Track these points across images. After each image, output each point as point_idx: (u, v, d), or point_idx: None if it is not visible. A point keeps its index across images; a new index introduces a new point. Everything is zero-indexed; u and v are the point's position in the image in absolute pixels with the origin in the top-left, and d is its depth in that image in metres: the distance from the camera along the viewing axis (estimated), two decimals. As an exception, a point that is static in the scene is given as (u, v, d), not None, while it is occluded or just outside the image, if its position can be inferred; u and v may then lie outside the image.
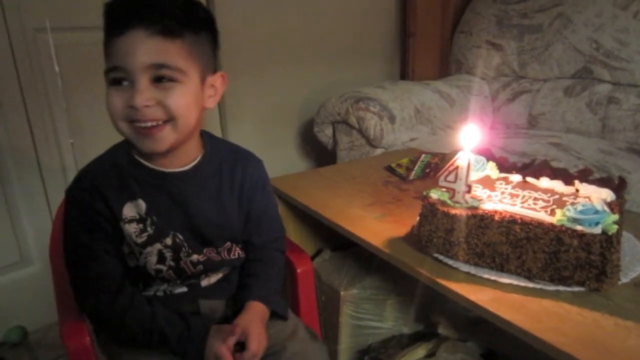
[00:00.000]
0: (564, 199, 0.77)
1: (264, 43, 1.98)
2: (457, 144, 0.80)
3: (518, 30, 2.09)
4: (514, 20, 2.11)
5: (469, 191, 0.79)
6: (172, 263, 0.87)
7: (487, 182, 0.86)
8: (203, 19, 0.82)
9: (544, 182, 0.84)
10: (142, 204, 0.84)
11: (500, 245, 0.75)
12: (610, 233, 0.67)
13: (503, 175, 0.89)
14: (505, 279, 0.75)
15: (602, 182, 0.85)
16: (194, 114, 0.81)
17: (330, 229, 1.04)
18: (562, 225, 0.69)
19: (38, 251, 1.62)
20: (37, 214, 1.60)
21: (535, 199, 0.78)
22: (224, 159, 0.92)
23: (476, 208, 0.77)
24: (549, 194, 0.80)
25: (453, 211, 0.78)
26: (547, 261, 0.72)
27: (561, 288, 0.72)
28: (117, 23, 0.75)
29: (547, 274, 0.73)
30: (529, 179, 0.86)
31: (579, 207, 0.70)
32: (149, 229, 0.84)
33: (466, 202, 0.78)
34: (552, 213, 0.73)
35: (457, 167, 0.78)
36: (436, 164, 1.27)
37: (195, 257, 0.88)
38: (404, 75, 2.45)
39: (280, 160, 2.14)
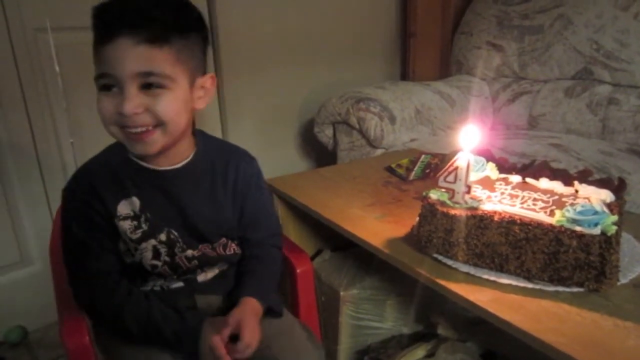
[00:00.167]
0: (564, 199, 0.77)
1: (264, 43, 1.98)
2: (457, 145, 0.80)
3: (518, 31, 2.09)
4: (514, 21, 2.11)
5: (468, 192, 0.79)
6: (167, 258, 0.88)
7: (487, 183, 0.86)
8: (192, 20, 0.82)
9: (544, 182, 0.84)
10: (136, 201, 0.86)
11: (499, 245, 0.75)
12: (609, 234, 0.67)
13: (503, 175, 0.89)
14: (505, 280, 0.75)
15: (601, 183, 0.85)
16: (184, 117, 0.82)
17: (331, 229, 1.04)
18: (561, 226, 0.69)
19: (38, 251, 1.63)
20: (38, 214, 1.60)
21: (535, 199, 0.78)
22: (217, 156, 0.94)
23: (476, 208, 0.77)
24: (549, 195, 0.80)
25: (452, 212, 0.78)
26: (546, 262, 0.72)
27: (560, 289, 0.72)
28: (104, 30, 0.75)
29: (547, 274, 0.73)
30: (528, 179, 0.86)
31: (578, 208, 0.70)
32: (143, 225, 0.86)
33: (466, 202, 0.78)
34: (552, 214, 0.73)
35: (456, 168, 0.78)
36: (436, 165, 1.27)
37: (190, 252, 0.89)
38: (404, 76, 2.45)
39: (281, 161, 2.14)
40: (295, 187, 1.21)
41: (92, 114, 0.81)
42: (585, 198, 0.77)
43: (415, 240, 0.87)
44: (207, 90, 0.87)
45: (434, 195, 0.82)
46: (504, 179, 0.87)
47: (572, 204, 0.74)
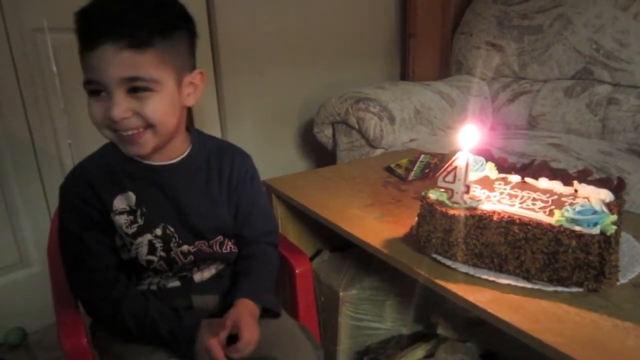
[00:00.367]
0: (563, 199, 0.77)
1: (263, 43, 1.98)
2: (457, 145, 0.80)
3: (518, 31, 2.09)
4: (514, 21, 2.11)
5: (467, 191, 0.79)
6: (162, 254, 0.88)
7: (486, 183, 0.86)
8: (174, 19, 0.81)
9: (543, 182, 0.84)
10: (132, 196, 0.87)
11: (498, 245, 0.75)
12: (608, 233, 0.66)
13: (502, 175, 0.89)
14: (504, 280, 0.75)
15: (601, 183, 0.85)
16: (173, 117, 0.83)
17: (330, 230, 1.04)
18: (560, 226, 0.69)
19: (37, 252, 1.62)
20: (37, 215, 1.60)
21: (534, 199, 0.78)
22: (212, 152, 0.95)
23: (475, 208, 0.77)
24: (548, 195, 0.79)
25: (451, 212, 0.78)
26: (545, 262, 0.72)
27: (559, 289, 0.71)
28: (86, 38, 0.75)
29: (546, 274, 0.72)
30: (527, 179, 0.86)
31: (578, 208, 0.70)
32: (139, 220, 0.87)
33: (465, 202, 0.78)
34: (551, 213, 0.73)
35: (455, 168, 0.78)
36: (435, 165, 1.26)
37: (185, 247, 0.90)
38: (404, 76, 2.45)
39: (280, 161, 2.14)
40: (294, 188, 1.21)
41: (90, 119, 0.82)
42: (584, 198, 0.77)
43: (414, 240, 0.86)
44: (196, 87, 0.87)
45: (432, 195, 0.82)
46: (503, 179, 0.87)
47: (571, 204, 0.74)
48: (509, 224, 0.73)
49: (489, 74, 2.23)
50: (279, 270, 1.03)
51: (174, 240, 0.89)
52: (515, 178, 0.87)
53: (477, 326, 1.15)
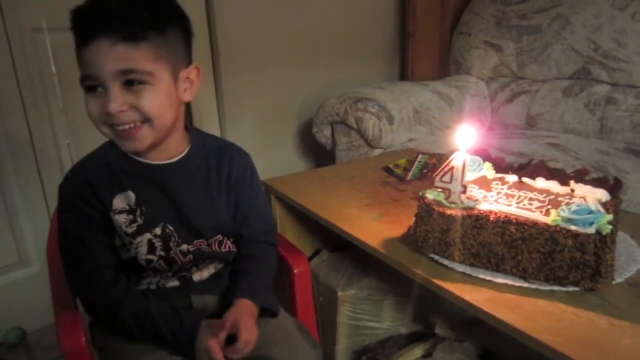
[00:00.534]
0: (560, 199, 0.78)
1: (263, 43, 1.98)
2: (455, 145, 0.81)
3: (517, 32, 2.09)
4: (512, 22, 2.12)
5: (464, 192, 0.79)
6: (162, 253, 0.89)
7: (484, 183, 0.86)
8: (169, 14, 0.82)
9: (540, 182, 0.84)
10: (131, 195, 0.87)
11: (495, 245, 0.75)
12: (604, 233, 0.67)
13: (499, 175, 0.89)
14: (501, 279, 0.75)
15: (597, 183, 0.85)
16: (170, 111, 0.83)
17: (329, 230, 1.04)
18: (557, 226, 0.70)
19: (37, 252, 1.63)
20: (36, 215, 1.60)
21: (531, 199, 0.78)
22: (211, 151, 0.95)
23: (472, 209, 0.77)
24: (545, 195, 0.80)
25: (449, 212, 0.78)
26: (542, 261, 0.72)
27: (556, 288, 0.72)
28: (82, 34, 0.77)
29: (543, 274, 0.73)
30: (525, 179, 0.86)
31: (574, 208, 0.70)
32: (139, 219, 0.87)
33: (462, 202, 0.79)
34: (547, 213, 0.73)
35: (452, 168, 0.78)
36: (434, 165, 1.27)
37: (185, 247, 0.90)
38: (403, 76, 2.45)
39: (280, 161, 2.14)
40: (293, 188, 1.21)
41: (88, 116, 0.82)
42: (581, 198, 0.77)
43: (412, 240, 0.87)
44: (192, 82, 0.87)
45: (430, 195, 0.82)
46: (501, 179, 0.87)
47: (568, 204, 0.74)
48: (505, 224, 0.74)
49: (487, 74, 2.24)
50: (277, 269, 1.03)
51: (173, 239, 0.89)
52: (512, 178, 0.87)
53: (475, 326, 1.15)
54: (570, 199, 0.77)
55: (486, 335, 1.13)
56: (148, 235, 0.87)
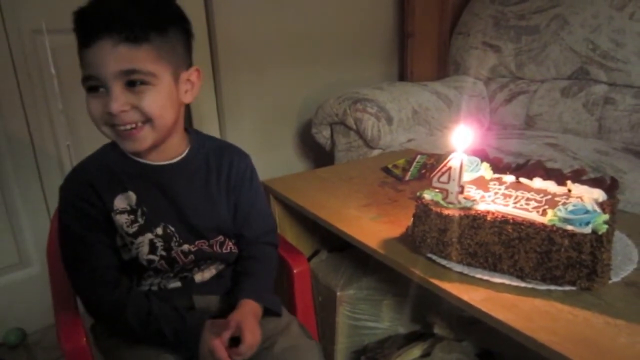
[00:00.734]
0: (556, 199, 0.78)
1: (261, 43, 1.99)
2: (452, 145, 0.81)
3: (515, 32, 2.10)
4: (511, 22, 2.12)
5: (461, 192, 0.80)
6: (163, 253, 0.89)
7: (481, 183, 0.86)
8: (170, 16, 0.83)
9: (537, 182, 0.84)
10: (132, 195, 0.87)
11: (492, 245, 0.76)
12: (600, 233, 0.67)
13: (497, 175, 0.89)
14: (498, 279, 0.75)
15: (594, 182, 0.86)
16: (170, 112, 0.84)
17: (328, 230, 1.04)
18: (553, 225, 0.70)
19: (37, 253, 1.63)
20: (36, 216, 1.61)
21: (528, 199, 0.79)
22: (211, 152, 0.96)
23: (469, 208, 0.77)
24: (542, 195, 0.80)
25: (446, 212, 0.78)
26: (538, 261, 0.72)
27: (553, 287, 0.72)
28: (84, 35, 0.77)
29: (539, 273, 0.73)
30: (522, 179, 0.86)
31: (570, 207, 0.71)
32: (139, 219, 0.87)
33: (459, 202, 0.79)
34: (544, 213, 0.73)
35: (449, 168, 0.78)
36: (432, 165, 1.27)
37: (186, 246, 0.90)
38: (402, 76, 2.46)
39: (279, 161, 2.15)
40: (292, 188, 1.22)
41: (89, 116, 0.83)
42: (578, 197, 0.78)
43: (410, 240, 0.87)
44: (193, 84, 0.88)
45: (427, 195, 0.82)
46: (498, 179, 0.88)
47: (564, 204, 0.74)
48: (502, 224, 0.74)
49: (486, 74, 2.24)
50: (277, 269, 1.04)
51: (174, 239, 0.89)
52: (509, 178, 0.87)
53: (473, 325, 1.15)
54: (567, 199, 0.77)
55: (484, 335, 1.13)
56: (149, 235, 0.88)
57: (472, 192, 0.83)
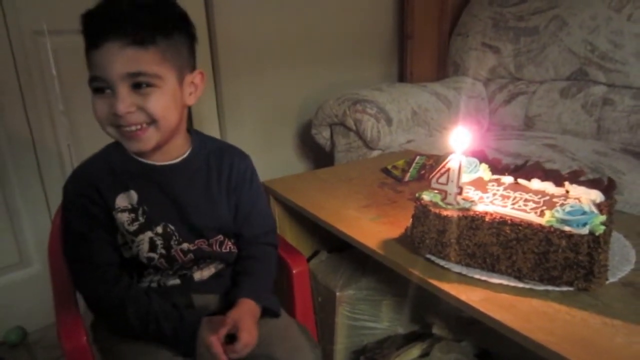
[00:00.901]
0: (554, 200, 0.78)
1: (263, 44, 2.00)
2: (451, 146, 0.81)
3: (514, 33, 2.11)
4: (510, 23, 2.13)
5: (460, 193, 0.80)
6: (163, 251, 0.90)
7: (480, 184, 0.87)
8: (175, 20, 0.84)
9: (535, 183, 0.85)
10: (133, 194, 0.89)
11: (490, 246, 0.76)
12: (597, 233, 0.68)
13: (495, 177, 0.90)
14: (496, 279, 0.76)
15: (591, 184, 0.86)
16: (175, 114, 0.85)
17: (327, 231, 1.05)
18: (550, 226, 0.70)
19: (37, 252, 1.64)
20: (37, 215, 1.61)
21: (526, 200, 0.79)
22: (212, 153, 0.97)
23: (467, 209, 0.78)
24: (540, 196, 0.81)
25: (445, 213, 0.79)
26: (536, 261, 0.73)
27: (550, 288, 0.73)
28: (92, 37, 0.79)
29: (537, 274, 0.74)
30: (520, 180, 0.87)
31: (567, 208, 0.71)
32: (140, 217, 0.89)
33: (458, 203, 0.79)
34: (542, 214, 0.74)
35: (448, 170, 0.79)
36: (431, 166, 1.28)
37: (185, 245, 0.92)
38: (402, 77, 2.47)
39: (279, 162, 2.15)
40: (292, 189, 1.22)
41: (90, 117, 0.84)
42: (575, 198, 0.78)
43: (409, 241, 0.88)
44: (196, 86, 0.90)
45: (426, 196, 0.83)
46: (497, 180, 0.88)
47: (562, 205, 0.75)
48: (500, 225, 0.74)
49: (485, 75, 2.25)
50: (277, 270, 1.04)
51: (174, 238, 0.91)
52: (508, 179, 0.88)
53: (472, 325, 1.16)
54: (565, 200, 0.78)
55: (483, 335, 1.14)
56: (149, 233, 0.89)
57: (470, 193, 0.83)
